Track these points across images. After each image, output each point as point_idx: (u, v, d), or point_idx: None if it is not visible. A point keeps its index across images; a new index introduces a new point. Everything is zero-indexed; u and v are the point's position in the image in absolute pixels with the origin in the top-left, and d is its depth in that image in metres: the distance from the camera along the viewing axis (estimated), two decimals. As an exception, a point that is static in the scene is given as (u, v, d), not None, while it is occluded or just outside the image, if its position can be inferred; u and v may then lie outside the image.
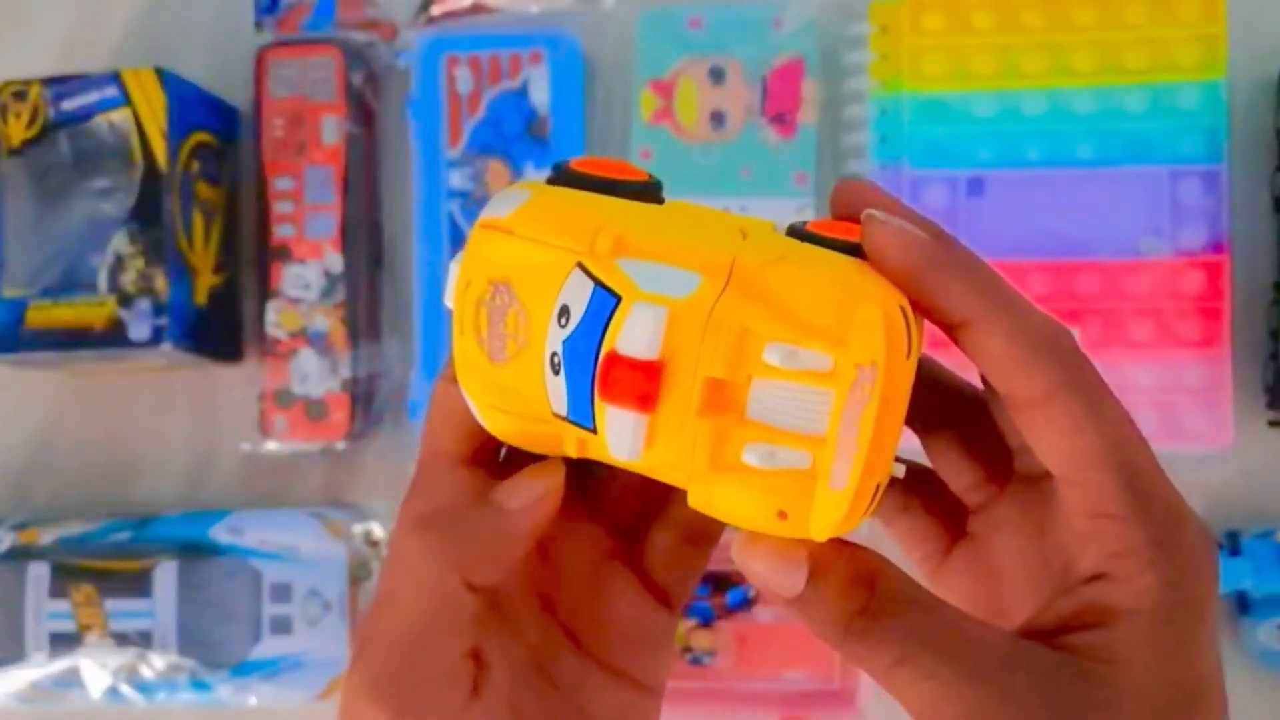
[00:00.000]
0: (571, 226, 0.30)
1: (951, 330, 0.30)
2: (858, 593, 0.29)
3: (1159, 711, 0.28)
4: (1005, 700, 0.28)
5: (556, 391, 0.29)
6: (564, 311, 0.29)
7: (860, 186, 0.31)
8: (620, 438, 0.29)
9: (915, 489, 0.35)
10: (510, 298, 0.30)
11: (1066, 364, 0.29)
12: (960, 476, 0.34)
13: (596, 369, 0.28)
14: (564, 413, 0.30)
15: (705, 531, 0.34)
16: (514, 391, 0.30)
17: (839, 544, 0.29)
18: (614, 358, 0.28)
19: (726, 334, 0.28)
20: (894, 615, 0.29)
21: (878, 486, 0.28)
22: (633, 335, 0.28)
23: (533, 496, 0.31)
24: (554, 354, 0.29)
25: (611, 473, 0.33)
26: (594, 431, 0.29)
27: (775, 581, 0.29)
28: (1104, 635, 0.29)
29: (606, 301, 0.28)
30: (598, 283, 0.29)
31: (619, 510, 0.34)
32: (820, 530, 0.28)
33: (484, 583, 0.31)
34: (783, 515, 0.28)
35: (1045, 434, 0.29)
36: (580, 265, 0.29)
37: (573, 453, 0.31)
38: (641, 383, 0.28)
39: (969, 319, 0.30)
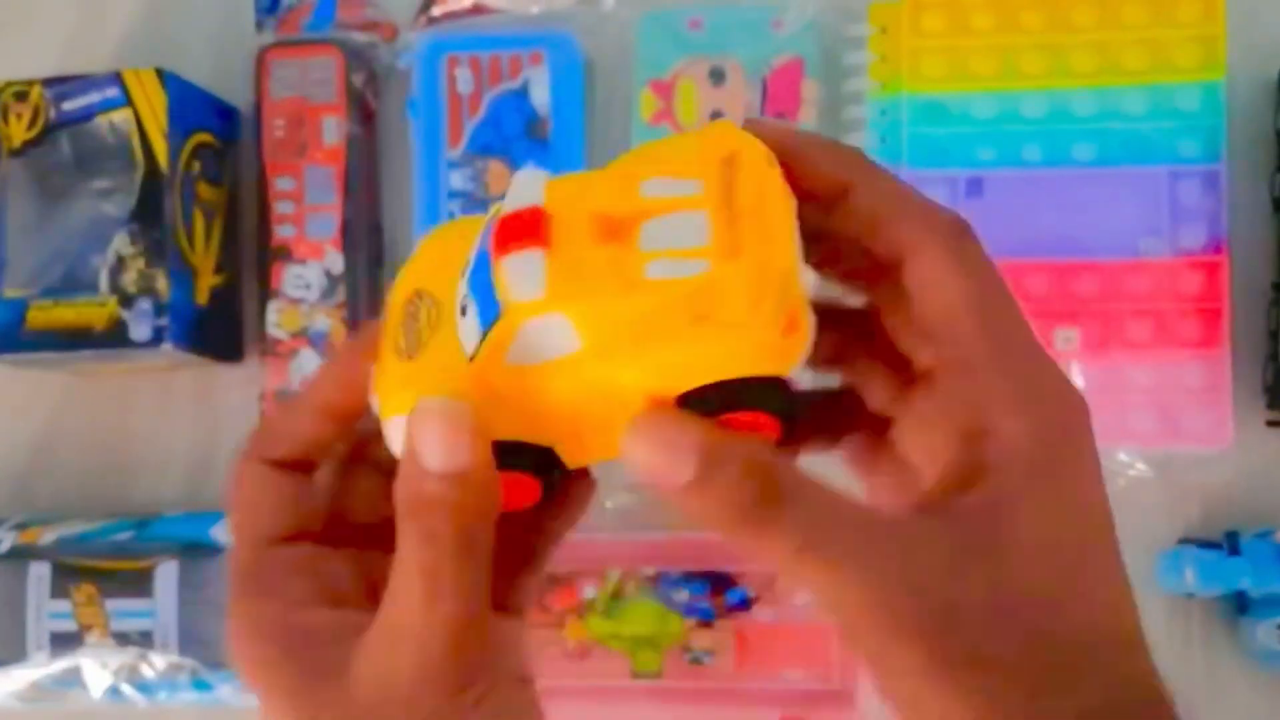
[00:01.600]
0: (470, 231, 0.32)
1: (830, 202, 0.31)
2: (751, 482, 0.28)
3: (1048, 559, 0.29)
4: (903, 578, 0.28)
5: (468, 328, 0.30)
6: (464, 269, 0.31)
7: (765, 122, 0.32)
8: (521, 278, 0.29)
9: (839, 414, 0.35)
10: (422, 297, 0.32)
11: (931, 219, 0.31)
12: (874, 393, 0.34)
13: (490, 257, 0.30)
14: (475, 338, 0.30)
15: (543, 560, 0.35)
16: (431, 371, 0.31)
17: (730, 435, 0.29)
18: (502, 222, 0.30)
19: (607, 181, 0.30)
20: (793, 504, 0.28)
21: (798, 303, 0.29)
22: (514, 194, 0.30)
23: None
24: (461, 300, 0.31)
25: None
26: (499, 317, 0.29)
27: (663, 469, 0.29)
28: (982, 493, 0.29)
29: (490, 224, 0.30)
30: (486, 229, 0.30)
31: None
32: (736, 314, 0.28)
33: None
34: (700, 319, 0.28)
35: (917, 291, 0.31)
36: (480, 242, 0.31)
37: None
38: (527, 223, 0.29)
39: (843, 183, 0.31)
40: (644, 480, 0.29)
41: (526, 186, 0.30)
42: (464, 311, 0.30)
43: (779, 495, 0.28)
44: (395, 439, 0.31)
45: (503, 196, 0.30)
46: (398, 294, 0.33)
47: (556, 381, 0.30)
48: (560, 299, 0.29)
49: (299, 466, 0.34)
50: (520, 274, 0.29)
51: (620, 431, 0.29)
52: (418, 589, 0.30)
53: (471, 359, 0.30)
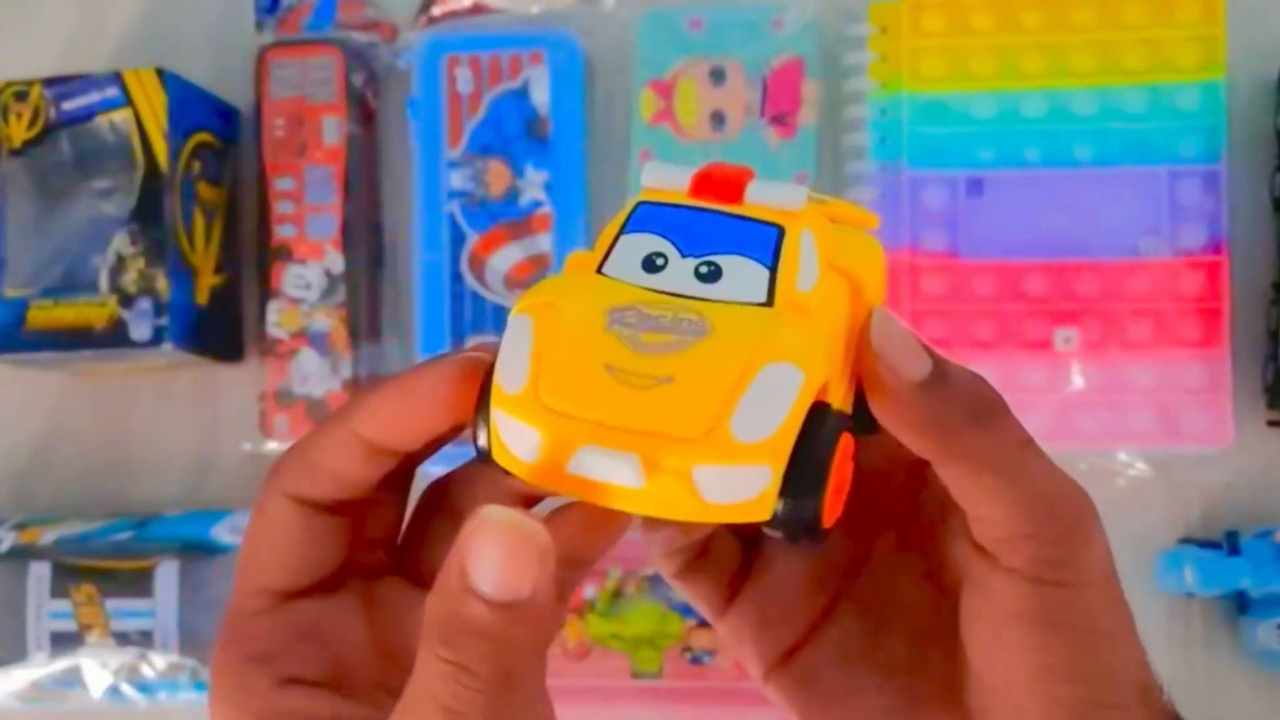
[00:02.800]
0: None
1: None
2: (978, 386, 0.29)
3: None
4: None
5: (738, 283, 0.28)
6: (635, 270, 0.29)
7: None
8: (784, 190, 0.28)
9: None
10: (625, 310, 0.28)
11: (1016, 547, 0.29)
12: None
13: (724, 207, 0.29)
14: (762, 282, 0.28)
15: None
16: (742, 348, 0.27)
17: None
18: (704, 174, 0.29)
19: None
20: (1009, 414, 0.29)
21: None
22: (655, 174, 0.30)
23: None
24: (697, 267, 0.28)
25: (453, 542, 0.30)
26: (783, 236, 0.28)
27: (907, 362, 0.28)
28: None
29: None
30: None
31: (387, 532, 0.32)
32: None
33: None
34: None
35: (975, 642, 0.30)
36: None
37: None
38: (729, 171, 0.29)
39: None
40: (884, 372, 0.28)
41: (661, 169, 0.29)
42: (708, 276, 0.27)
43: (1001, 403, 0.29)
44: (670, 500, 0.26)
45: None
46: (558, 333, 0.27)
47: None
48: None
49: (334, 510, 0.30)
50: (781, 189, 0.28)
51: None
52: None
53: (771, 303, 0.27)
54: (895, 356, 0.28)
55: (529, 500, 0.30)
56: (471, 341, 0.69)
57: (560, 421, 0.25)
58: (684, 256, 0.28)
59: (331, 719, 0.28)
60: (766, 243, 0.28)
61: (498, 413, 0.26)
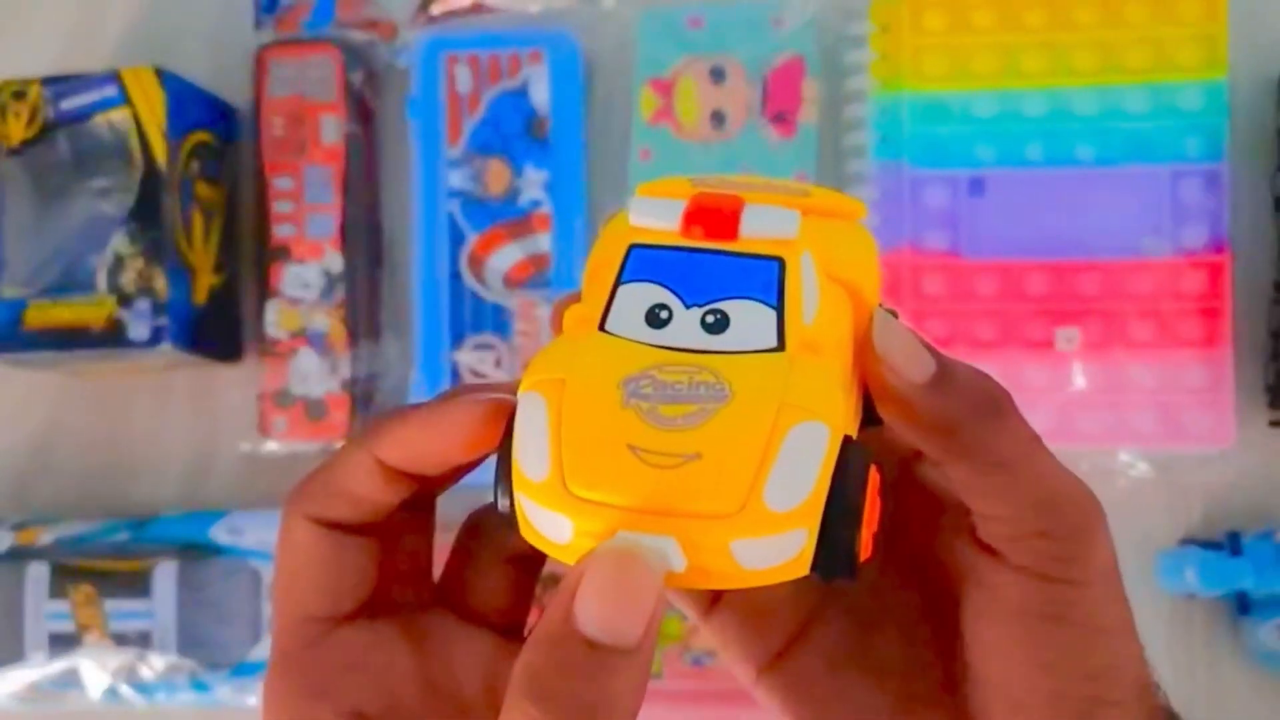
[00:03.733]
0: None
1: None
2: (983, 383, 0.29)
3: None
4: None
5: (747, 329, 0.27)
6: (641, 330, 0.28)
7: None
8: (778, 218, 0.28)
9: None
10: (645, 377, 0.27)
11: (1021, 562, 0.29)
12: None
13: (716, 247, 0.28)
14: (770, 325, 0.27)
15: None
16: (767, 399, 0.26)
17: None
18: (694, 209, 0.28)
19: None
20: (1016, 410, 0.30)
21: None
22: (644, 209, 0.29)
23: None
24: (702, 316, 0.27)
25: (499, 575, 0.31)
26: (784, 268, 0.27)
27: (911, 363, 0.28)
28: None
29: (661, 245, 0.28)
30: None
31: (503, 615, 0.32)
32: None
33: None
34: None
35: (977, 648, 0.30)
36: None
37: None
38: (721, 202, 0.28)
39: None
40: (888, 374, 0.28)
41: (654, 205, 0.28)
42: (715, 325, 0.27)
43: (1008, 399, 0.29)
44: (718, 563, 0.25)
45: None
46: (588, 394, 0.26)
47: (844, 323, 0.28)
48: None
49: (358, 531, 0.30)
50: (775, 216, 0.27)
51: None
52: None
53: (782, 346, 0.27)
54: (899, 359, 0.28)
55: None
56: (470, 341, 0.69)
57: (591, 509, 0.25)
58: (688, 307, 0.27)
59: None
60: (769, 280, 0.27)
61: (524, 499, 0.26)
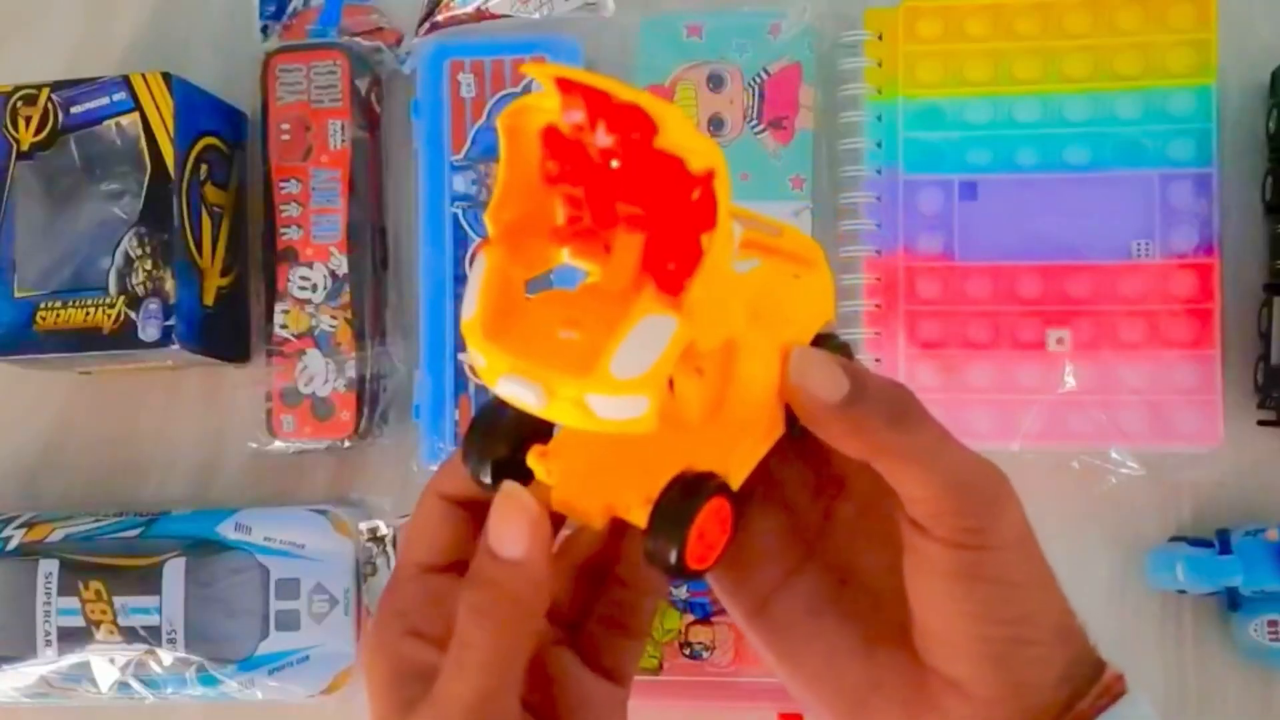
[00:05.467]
0: None
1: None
2: (895, 393, 0.35)
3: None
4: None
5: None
6: None
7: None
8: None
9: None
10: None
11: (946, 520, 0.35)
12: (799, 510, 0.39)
13: None
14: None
15: (636, 625, 0.38)
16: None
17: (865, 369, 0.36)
18: None
19: None
20: (926, 417, 0.36)
21: None
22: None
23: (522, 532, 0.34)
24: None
25: (564, 578, 0.38)
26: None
27: (826, 386, 0.35)
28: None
29: None
30: None
31: (558, 606, 0.38)
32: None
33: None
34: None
35: (916, 597, 0.36)
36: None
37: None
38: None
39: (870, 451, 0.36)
40: (806, 400, 0.34)
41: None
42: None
43: (916, 404, 0.35)
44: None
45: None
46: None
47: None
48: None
49: (468, 506, 0.36)
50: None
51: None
52: (451, 659, 0.33)
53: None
54: (813, 386, 0.34)
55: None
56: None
57: (494, 353, 0.31)
58: None
59: (429, 665, 0.35)
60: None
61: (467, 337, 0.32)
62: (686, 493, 0.33)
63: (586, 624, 0.38)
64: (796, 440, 0.36)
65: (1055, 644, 0.36)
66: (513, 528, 0.34)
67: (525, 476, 0.35)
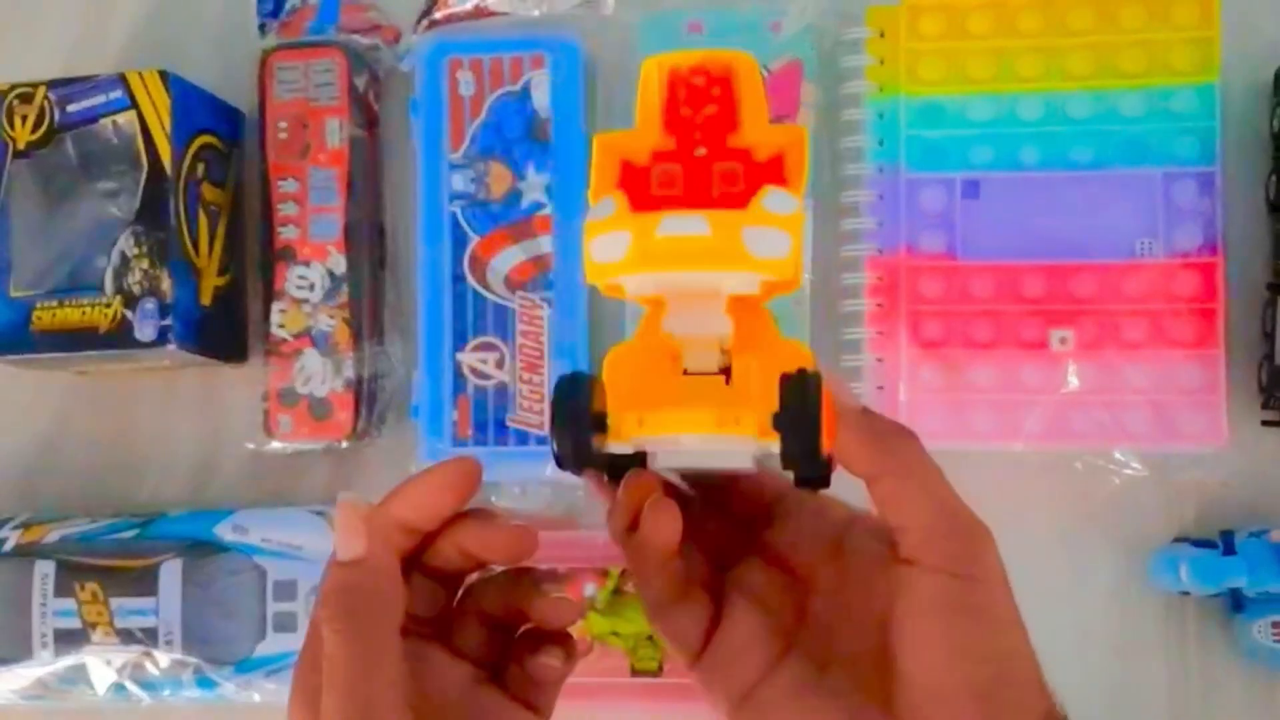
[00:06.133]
0: None
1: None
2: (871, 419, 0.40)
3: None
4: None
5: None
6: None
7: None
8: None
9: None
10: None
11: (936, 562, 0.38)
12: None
13: None
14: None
15: (551, 678, 0.41)
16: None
17: None
18: None
19: None
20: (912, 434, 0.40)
21: None
22: None
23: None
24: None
25: (472, 619, 0.41)
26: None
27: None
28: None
29: None
30: None
31: (483, 650, 0.41)
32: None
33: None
34: None
35: (900, 642, 0.38)
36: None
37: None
38: None
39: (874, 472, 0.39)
40: (838, 399, 0.37)
41: None
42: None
43: (916, 434, 0.39)
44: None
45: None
46: None
47: None
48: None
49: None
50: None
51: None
52: (324, 680, 0.36)
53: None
54: (842, 393, 0.38)
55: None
56: (473, 342, 0.70)
57: (643, 216, 0.36)
58: None
59: None
60: None
61: (591, 240, 0.37)
62: (801, 383, 0.36)
63: (507, 665, 0.41)
64: (764, 544, 0.41)
65: (1033, 692, 0.37)
66: (350, 531, 0.36)
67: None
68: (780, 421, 0.36)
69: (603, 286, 0.38)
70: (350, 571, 0.36)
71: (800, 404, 0.36)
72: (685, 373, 0.39)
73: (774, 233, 0.36)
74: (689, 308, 0.38)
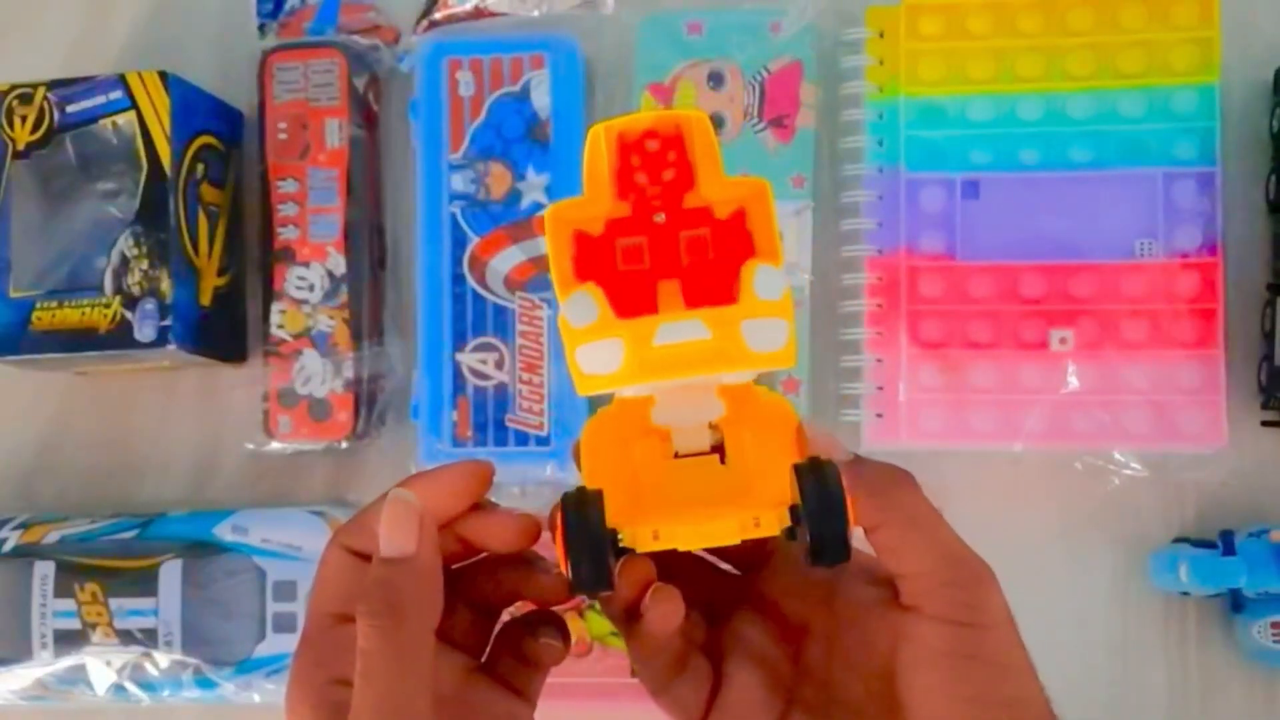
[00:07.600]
0: None
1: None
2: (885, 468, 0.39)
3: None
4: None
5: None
6: None
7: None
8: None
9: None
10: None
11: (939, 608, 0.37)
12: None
13: None
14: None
15: (553, 659, 0.41)
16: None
17: None
18: None
19: None
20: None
21: None
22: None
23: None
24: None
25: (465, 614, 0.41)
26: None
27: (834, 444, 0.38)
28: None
29: None
30: None
31: (472, 638, 0.41)
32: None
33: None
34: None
35: (906, 683, 0.37)
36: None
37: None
38: None
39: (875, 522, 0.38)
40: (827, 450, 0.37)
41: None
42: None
43: (913, 476, 0.37)
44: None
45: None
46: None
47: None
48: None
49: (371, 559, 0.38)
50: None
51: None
52: (358, 673, 0.35)
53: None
54: (829, 443, 0.37)
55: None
56: (472, 342, 0.70)
57: (635, 323, 0.35)
58: None
59: (349, 702, 0.36)
60: None
61: (578, 349, 0.35)
62: (818, 473, 0.35)
63: (497, 653, 0.41)
64: (757, 593, 0.40)
65: None
66: (403, 528, 0.36)
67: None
68: (803, 515, 0.35)
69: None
70: (396, 569, 0.36)
71: (822, 497, 0.34)
72: (675, 454, 0.38)
73: (771, 324, 0.35)
74: (680, 401, 0.37)
